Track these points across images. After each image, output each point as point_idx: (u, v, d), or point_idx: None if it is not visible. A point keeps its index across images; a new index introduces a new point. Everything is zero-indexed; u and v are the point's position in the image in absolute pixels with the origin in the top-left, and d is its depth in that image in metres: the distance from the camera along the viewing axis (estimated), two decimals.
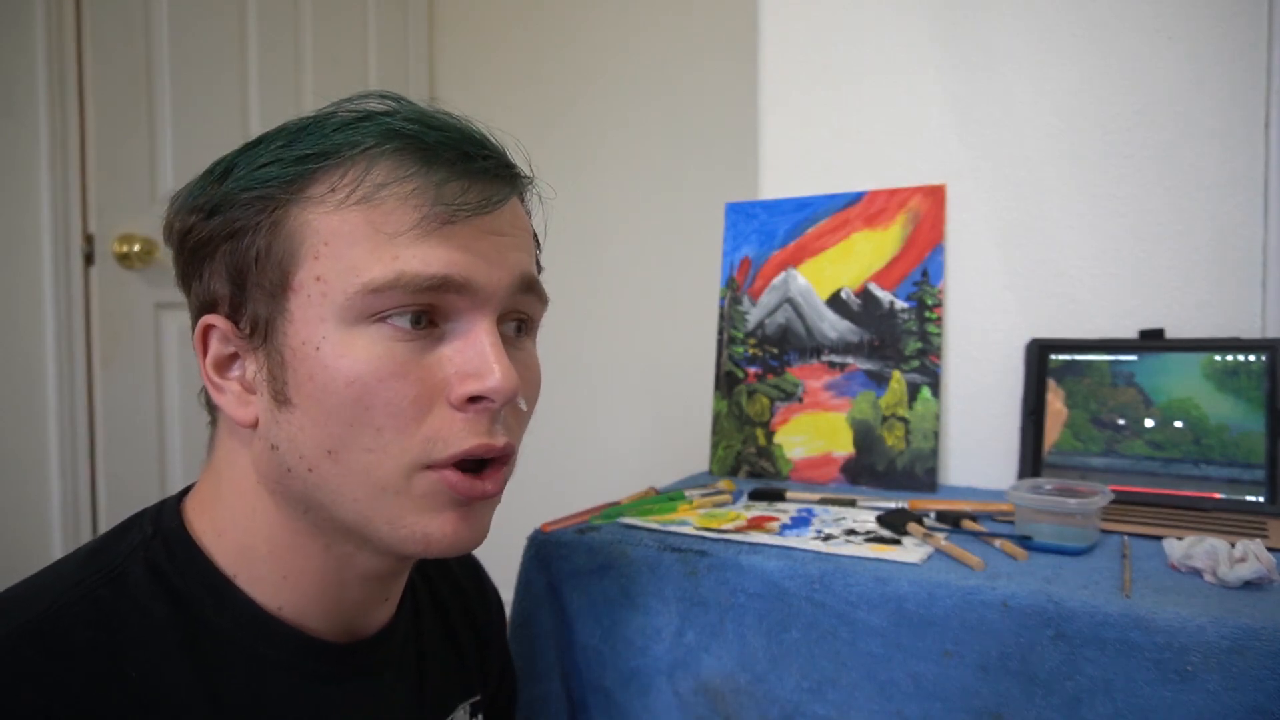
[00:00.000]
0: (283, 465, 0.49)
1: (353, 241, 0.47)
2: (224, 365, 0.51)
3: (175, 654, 0.47)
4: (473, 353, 0.48)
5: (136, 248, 1.56)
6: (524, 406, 0.52)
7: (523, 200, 0.56)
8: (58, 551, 1.47)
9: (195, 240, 0.51)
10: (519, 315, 0.53)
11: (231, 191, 0.49)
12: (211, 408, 0.54)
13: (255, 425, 0.50)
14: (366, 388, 0.46)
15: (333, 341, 0.47)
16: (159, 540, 0.51)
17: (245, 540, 0.51)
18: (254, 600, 0.50)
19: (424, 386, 0.48)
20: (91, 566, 0.48)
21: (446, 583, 0.69)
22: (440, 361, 0.48)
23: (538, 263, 0.59)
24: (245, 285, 0.49)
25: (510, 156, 0.53)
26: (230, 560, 0.51)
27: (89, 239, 1.53)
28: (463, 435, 0.48)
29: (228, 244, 0.49)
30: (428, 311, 0.48)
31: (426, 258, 0.47)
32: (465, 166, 0.49)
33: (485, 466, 0.50)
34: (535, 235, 0.58)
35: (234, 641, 0.49)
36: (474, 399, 0.48)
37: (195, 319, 0.51)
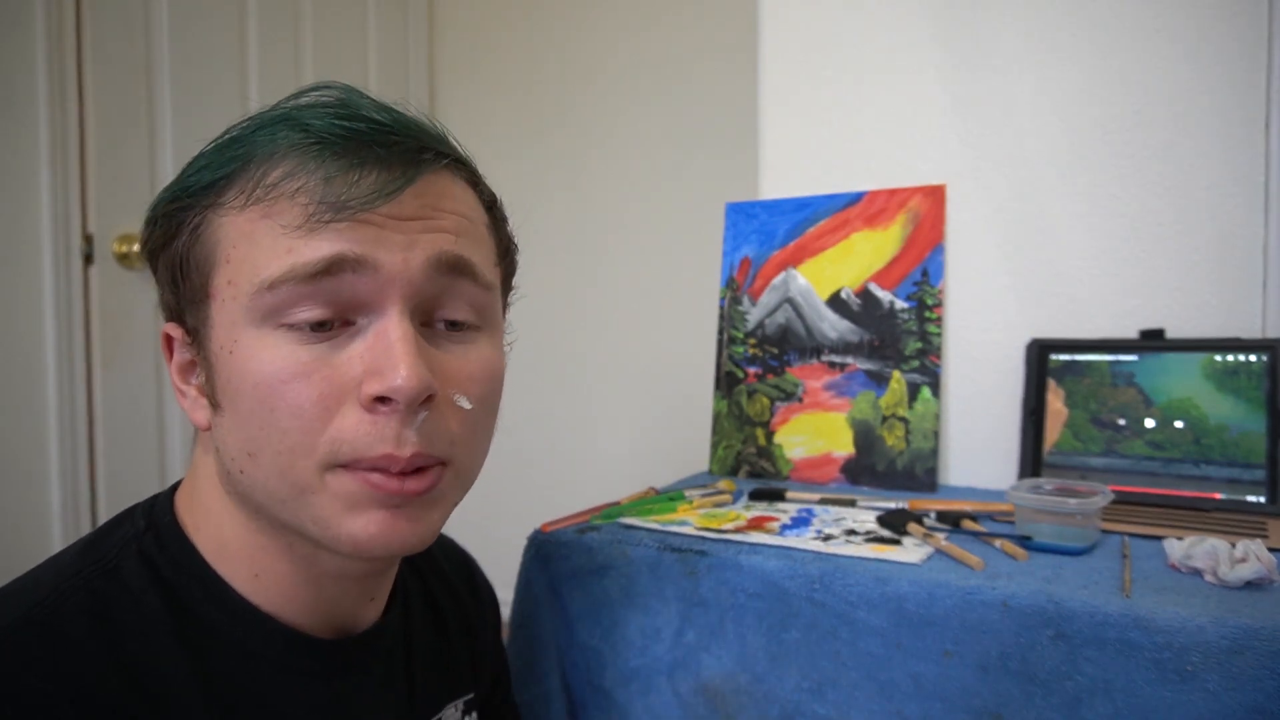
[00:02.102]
0: (224, 468, 0.50)
1: (254, 242, 0.46)
2: (187, 371, 0.52)
3: (169, 644, 0.47)
4: (380, 348, 0.46)
5: (136, 248, 1.56)
6: (465, 404, 0.49)
7: (477, 187, 0.54)
8: (57, 551, 1.47)
9: (146, 251, 0.52)
10: (452, 309, 0.50)
11: (164, 201, 0.50)
12: None
13: (209, 429, 0.50)
14: (271, 389, 0.46)
15: (243, 345, 0.46)
16: (151, 533, 0.51)
17: (219, 537, 0.51)
18: (240, 595, 0.51)
19: (330, 386, 0.46)
20: (88, 558, 0.49)
21: (439, 580, 0.69)
22: (350, 360, 0.46)
23: (506, 249, 0.56)
24: (179, 293, 0.50)
25: (433, 139, 0.50)
26: (212, 556, 0.51)
27: (89, 239, 1.53)
28: (369, 441, 0.46)
29: (164, 253, 0.50)
30: (333, 310, 0.46)
31: (318, 246, 0.45)
32: (359, 156, 0.46)
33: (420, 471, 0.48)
34: (494, 220, 0.55)
35: (224, 634, 0.50)
36: (381, 399, 0.46)
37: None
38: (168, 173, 1.64)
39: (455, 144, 0.53)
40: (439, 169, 0.50)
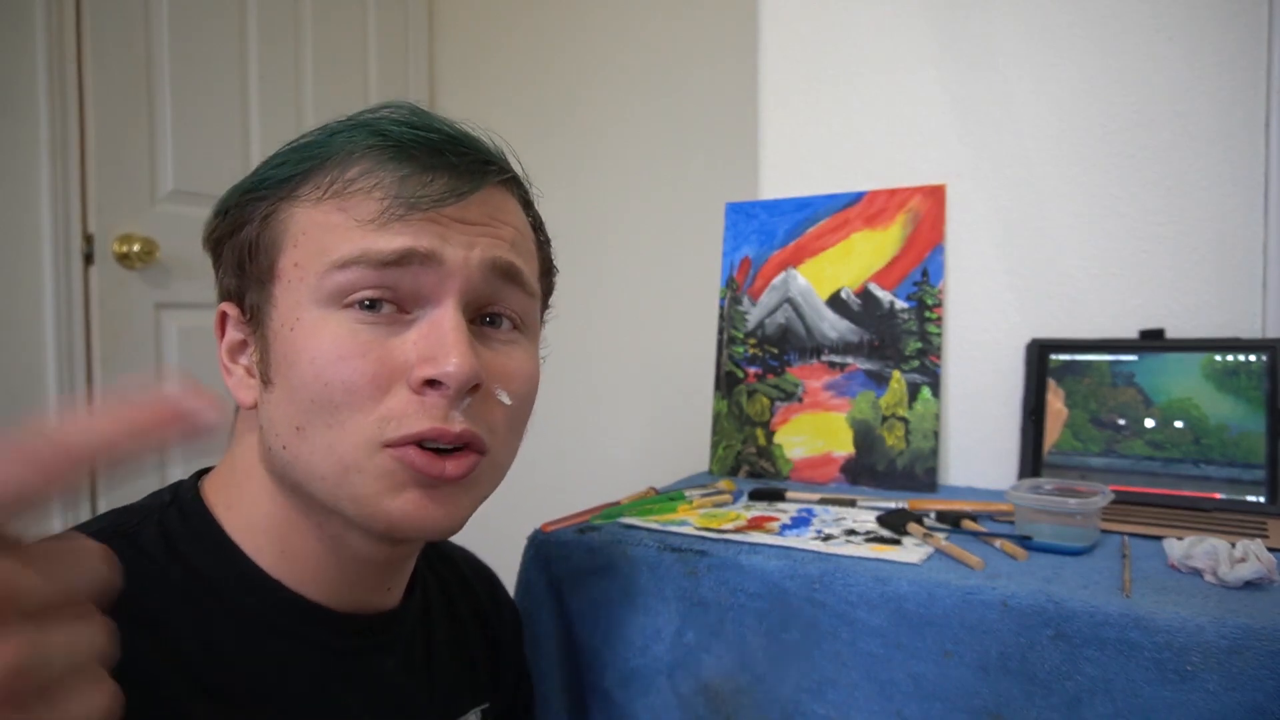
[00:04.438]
0: (267, 444, 0.52)
1: (326, 229, 0.50)
2: (236, 351, 0.55)
3: (179, 607, 0.50)
4: (434, 336, 0.49)
5: (136, 248, 1.56)
6: (505, 400, 0.53)
7: (529, 208, 0.59)
8: None
9: (213, 238, 0.55)
10: (500, 308, 0.54)
11: (239, 193, 0.54)
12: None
13: (255, 407, 0.53)
14: (328, 364, 0.48)
15: (305, 323, 0.50)
16: (174, 507, 0.54)
17: (251, 516, 0.54)
18: (261, 568, 0.53)
19: (383, 367, 0.49)
20: (110, 524, 0.52)
21: (460, 587, 0.71)
22: (404, 345, 0.50)
23: (547, 268, 0.61)
24: (244, 275, 0.53)
25: (496, 156, 0.55)
26: (239, 534, 0.54)
27: (89, 239, 1.53)
28: (416, 417, 0.49)
29: (231, 240, 0.54)
30: (394, 297, 0.50)
31: (390, 238, 0.49)
32: (432, 161, 0.51)
33: (457, 452, 0.51)
34: (540, 240, 0.60)
35: (235, 602, 0.52)
36: (431, 383, 0.49)
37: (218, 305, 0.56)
38: (168, 173, 1.64)
39: (515, 163, 0.57)
40: (500, 183, 0.55)
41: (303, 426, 0.50)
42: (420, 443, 0.49)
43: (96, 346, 1.54)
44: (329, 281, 0.49)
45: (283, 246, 0.51)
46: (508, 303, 0.54)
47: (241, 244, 0.53)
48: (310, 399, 0.49)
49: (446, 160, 0.51)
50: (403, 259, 0.49)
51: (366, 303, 0.49)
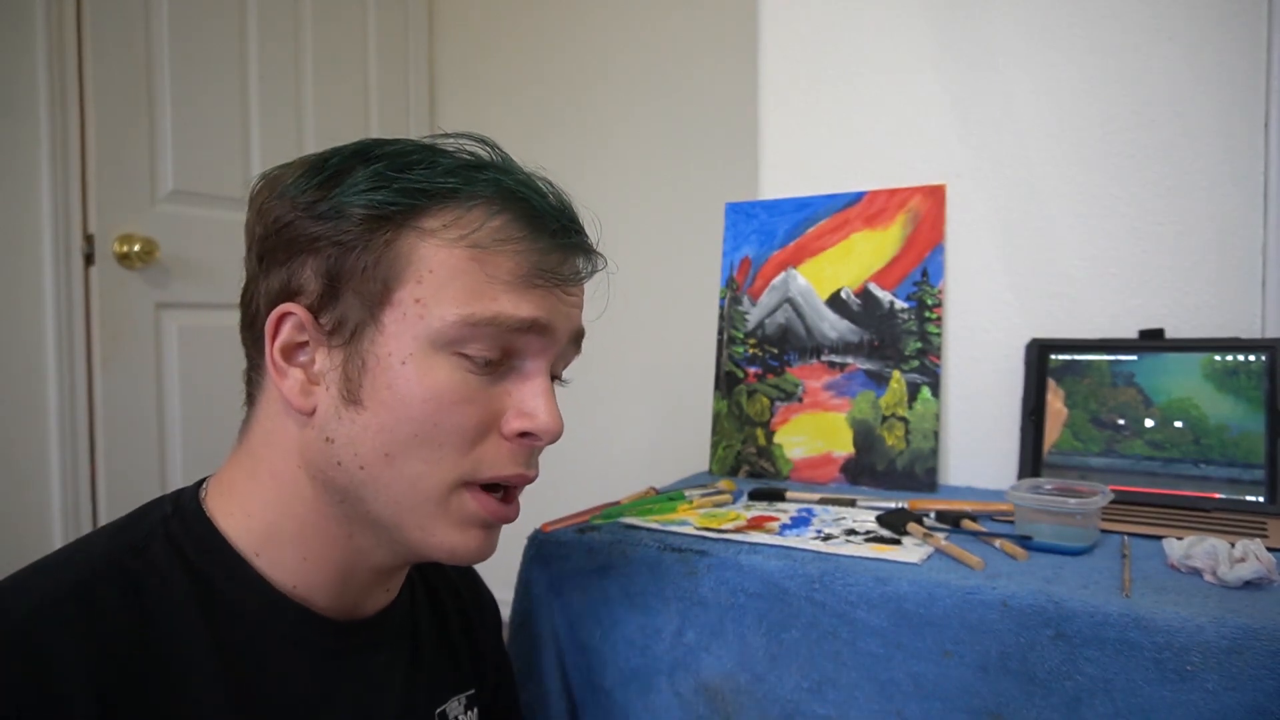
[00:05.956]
0: (333, 458, 0.52)
1: (456, 276, 0.52)
2: (291, 352, 0.54)
3: (195, 622, 0.50)
4: (531, 394, 0.55)
5: (136, 248, 1.56)
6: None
7: None
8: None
9: (295, 233, 0.53)
10: (562, 366, 0.60)
11: (343, 203, 0.52)
12: (251, 391, 0.57)
13: (312, 414, 0.53)
14: (441, 407, 0.51)
15: (418, 360, 0.51)
16: (178, 518, 0.54)
17: (274, 520, 0.54)
18: (266, 577, 0.54)
19: (486, 414, 0.53)
20: (119, 540, 0.52)
21: (444, 586, 0.72)
22: (501, 395, 0.54)
23: None
24: (340, 288, 0.52)
25: (592, 239, 0.60)
26: (255, 540, 0.54)
27: (89, 239, 1.53)
28: (505, 462, 0.54)
29: (334, 250, 0.52)
30: (505, 354, 0.54)
31: (519, 304, 0.53)
32: (564, 240, 0.56)
33: (508, 492, 0.57)
34: None
35: (244, 613, 0.52)
36: (523, 434, 0.54)
37: (268, 300, 0.53)
38: (168, 173, 1.64)
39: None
40: None
41: (393, 455, 0.52)
42: (488, 484, 0.55)
43: (96, 346, 1.54)
44: (454, 331, 0.51)
45: (404, 278, 0.51)
46: (570, 358, 0.60)
47: (350, 259, 0.51)
48: (414, 433, 0.51)
49: (576, 240, 0.57)
50: (530, 327, 0.53)
51: (484, 359, 0.53)
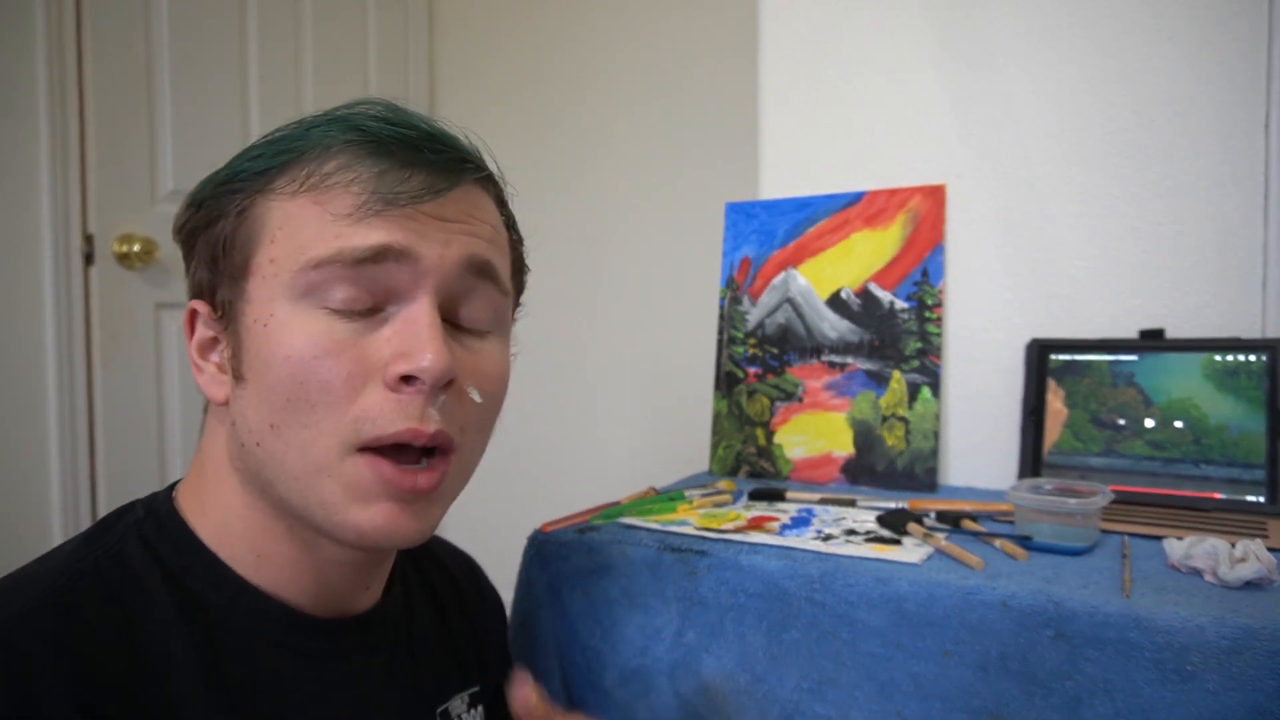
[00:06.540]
0: (238, 440, 0.51)
1: (303, 224, 0.49)
2: (206, 348, 0.54)
3: (174, 626, 0.49)
4: (409, 332, 0.49)
5: (136, 248, 1.56)
6: (476, 397, 0.53)
7: (503, 207, 0.58)
8: None
9: (185, 231, 0.54)
10: (473, 307, 0.54)
11: (212, 184, 0.53)
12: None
13: (226, 404, 0.53)
14: (302, 363, 0.48)
15: (279, 319, 0.49)
16: (151, 520, 0.53)
17: (224, 518, 0.53)
18: (241, 576, 0.53)
19: (359, 365, 0.49)
20: (95, 546, 0.51)
21: (440, 574, 0.71)
22: (379, 342, 0.49)
23: (519, 266, 0.60)
24: (217, 270, 0.52)
25: (473, 154, 0.55)
26: (214, 539, 0.53)
27: (89, 239, 1.53)
28: (392, 417, 0.48)
29: (205, 233, 0.53)
30: (370, 295, 0.49)
31: (366, 234, 0.49)
32: (410, 157, 0.50)
33: (426, 458, 0.51)
34: (513, 239, 0.60)
35: (225, 615, 0.51)
36: (406, 379, 0.48)
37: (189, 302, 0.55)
38: (168, 173, 1.64)
39: (491, 161, 0.57)
40: (476, 181, 0.54)
41: (277, 424, 0.49)
42: (395, 445, 0.49)
43: (96, 346, 1.54)
44: (304, 279, 0.49)
45: (259, 242, 0.50)
46: (482, 300, 0.54)
47: (216, 238, 0.52)
48: (285, 397, 0.48)
49: (424, 157, 0.51)
50: (378, 255, 0.48)
51: (343, 304, 0.49)
